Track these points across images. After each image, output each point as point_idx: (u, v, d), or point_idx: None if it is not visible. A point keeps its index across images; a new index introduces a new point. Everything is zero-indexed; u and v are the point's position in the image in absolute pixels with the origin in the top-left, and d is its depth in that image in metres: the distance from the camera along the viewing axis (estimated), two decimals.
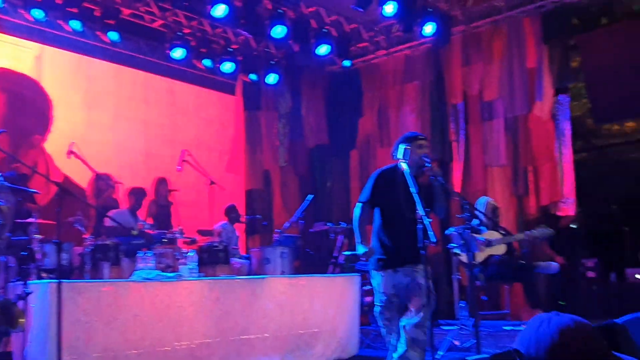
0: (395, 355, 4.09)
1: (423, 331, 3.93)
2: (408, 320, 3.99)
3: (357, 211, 4.12)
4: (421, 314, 3.94)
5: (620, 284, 7.87)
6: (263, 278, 5.49)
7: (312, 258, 8.14)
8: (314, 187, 9.83)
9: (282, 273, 6.12)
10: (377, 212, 4.18)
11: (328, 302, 5.75)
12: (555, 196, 8.05)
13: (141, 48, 8.92)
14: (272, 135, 9.98)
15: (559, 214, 8.03)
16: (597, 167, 10.25)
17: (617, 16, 8.27)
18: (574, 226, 8.24)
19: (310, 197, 7.55)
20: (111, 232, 5.96)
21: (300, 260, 7.67)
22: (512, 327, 6.38)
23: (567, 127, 8.14)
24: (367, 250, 4.05)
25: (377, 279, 4.15)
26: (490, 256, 6.26)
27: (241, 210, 8.43)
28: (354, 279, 6.14)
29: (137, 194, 6.79)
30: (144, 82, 8.97)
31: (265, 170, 9.92)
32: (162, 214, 7.19)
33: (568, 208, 8.08)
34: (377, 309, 4.15)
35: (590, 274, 7.94)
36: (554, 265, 6.40)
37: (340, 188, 9.89)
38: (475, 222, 6.03)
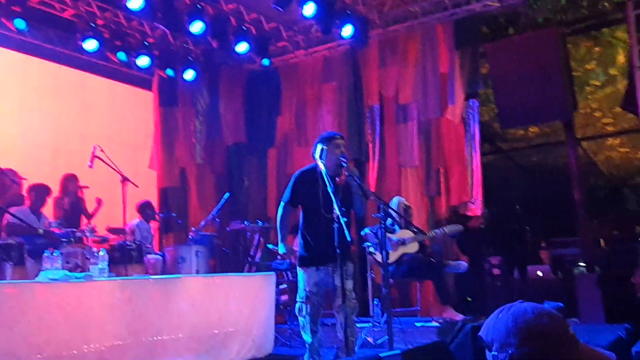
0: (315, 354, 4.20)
1: (342, 331, 4.04)
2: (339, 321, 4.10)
3: (279, 210, 4.29)
4: (340, 315, 4.05)
5: (522, 280, 8.28)
6: (177, 278, 5.41)
7: (228, 257, 8.04)
8: (231, 185, 9.74)
9: (197, 272, 6.04)
10: (301, 211, 4.30)
11: (243, 301, 5.73)
12: (464, 196, 8.38)
13: (51, 38, 8.51)
14: (189, 132, 9.79)
15: (468, 213, 8.34)
16: (503, 170, 10.77)
17: (522, 27, 8.71)
18: (482, 226, 8.60)
19: (227, 195, 7.45)
20: (13, 231, 5.67)
21: (216, 259, 7.56)
22: (422, 324, 6.56)
23: (476, 131, 8.50)
24: (286, 251, 4.23)
25: (300, 275, 4.26)
26: (403, 254, 6.42)
27: (155, 208, 8.19)
28: (270, 278, 6.13)
29: (38, 190, 6.45)
30: (53, 73, 8.57)
31: (181, 168, 9.72)
32: (71, 212, 6.91)
33: (476, 208, 8.42)
34: (297, 305, 4.23)
35: (495, 271, 8.27)
36: (463, 265, 6.69)
37: (258, 187, 9.87)
38: (389, 221, 6.16)
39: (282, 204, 4.31)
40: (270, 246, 7.08)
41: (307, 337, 4.22)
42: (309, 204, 4.18)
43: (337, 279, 4.00)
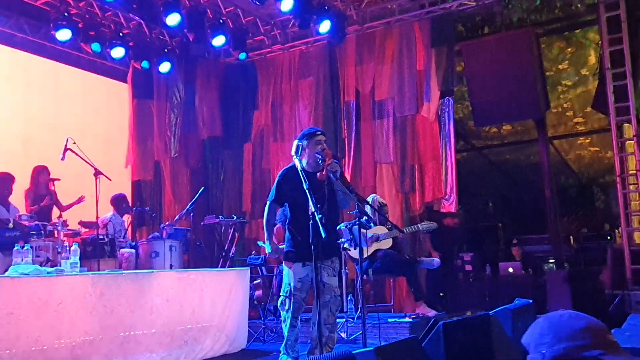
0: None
1: (328, 328, 4.09)
2: (315, 317, 4.09)
3: (265, 210, 4.32)
4: (325, 311, 4.08)
5: (494, 276, 8.41)
6: (151, 272, 5.37)
7: (202, 251, 8.02)
8: (206, 179, 9.72)
9: (171, 267, 6.04)
10: (287, 208, 4.33)
11: (217, 296, 5.70)
12: (438, 193, 8.44)
13: (22, 27, 8.34)
14: (164, 125, 9.67)
15: (442, 210, 8.45)
16: (477, 167, 10.90)
17: (498, 26, 8.82)
18: (456, 226, 8.71)
19: (202, 189, 7.44)
20: None
21: (190, 253, 7.51)
22: (395, 319, 6.61)
23: (451, 128, 8.57)
24: (272, 249, 4.29)
25: (285, 271, 4.29)
26: (377, 250, 6.43)
27: (129, 201, 8.12)
28: (244, 273, 6.10)
29: (1, 180, 6.27)
30: (24, 63, 8.39)
31: (155, 161, 9.62)
32: (42, 205, 6.79)
33: (449, 205, 8.51)
34: (280, 299, 4.29)
35: (468, 267, 8.38)
36: (436, 261, 6.73)
37: (233, 181, 9.77)
38: (363, 218, 6.26)
39: (267, 203, 4.35)
40: (259, 243, 7.11)
41: (286, 330, 4.30)
42: (295, 201, 4.20)
43: (324, 275, 4.10)
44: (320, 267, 3.98)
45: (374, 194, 7.07)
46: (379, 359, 2.52)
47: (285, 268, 4.31)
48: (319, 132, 4.27)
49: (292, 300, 4.21)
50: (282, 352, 4.39)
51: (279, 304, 4.31)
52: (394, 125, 8.77)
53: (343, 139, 9.08)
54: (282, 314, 4.32)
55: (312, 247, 3.65)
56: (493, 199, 11.59)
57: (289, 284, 4.24)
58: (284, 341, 4.34)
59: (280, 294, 4.32)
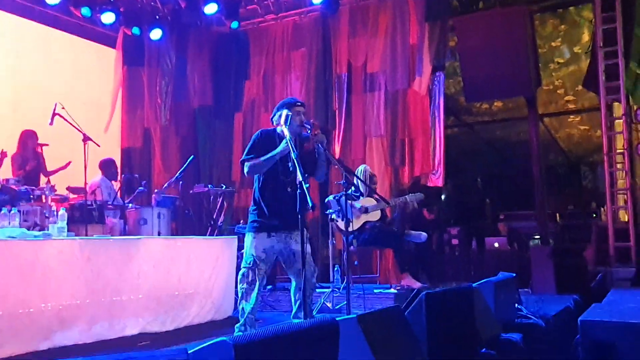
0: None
1: (306, 294, 3.97)
2: (293, 285, 4.08)
3: (246, 168, 4.12)
4: (299, 279, 4.00)
5: (480, 250, 8.50)
6: (138, 238, 5.37)
7: (190, 220, 7.98)
8: (196, 148, 9.61)
9: (159, 234, 6.02)
10: (257, 176, 4.17)
11: (204, 264, 5.71)
12: (426, 168, 8.46)
13: None
14: (154, 93, 9.58)
15: (429, 184, 8.49)
16: (466, 143, 10.92)
17: (492, 2, 8.76)
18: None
19: (191, 158, 7.36)
20: None
21: (179, 222, 7.55)
22: (381, 290, 6.67)
23: (441, 103, 8.57)
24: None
25: (249, 241, 4.13)
26: (366, 222, 6.43)
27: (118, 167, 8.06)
28: (231, 242, 6.10)
29: None
30: (14, 26, 8.24)
31: (145, 129, 9.56)
32: (30, 169, 6.75)
33: (437, 179, 8.55)
34: (241, 271, 4.12)
35: (454, 241, 8.46)
36: (423, 235, 6.69)
37: (223, 151, 9.69)
38: (351, 189, 6.16)
39: (245, 164, 4.10)
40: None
41: (246, 305, 4.07)
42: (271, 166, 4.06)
43: (293, 244, 4.02)
44: (291, 235, 3.98)
45: (364, 165, 7.08)
46: (360, 326, 2.54)
47: (248, 238, 4.13)
48: (299, 103, 4.20)
49: (255, 271, 4.04)
50: (238, 330, 4.11)
51: (240, 276, 4.09)
52: (385, 99, 8.75)
53: (334, 111, 9.04)
54: (241, 287, 4.08)
55: (300, 216, 3.54)
56: (482, 175, 11.64)
57: (252, 254, 4.05)
58: (243, 319, 4.10)
59: (242, 266, 4.12)
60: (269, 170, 4.01)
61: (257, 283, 4.03)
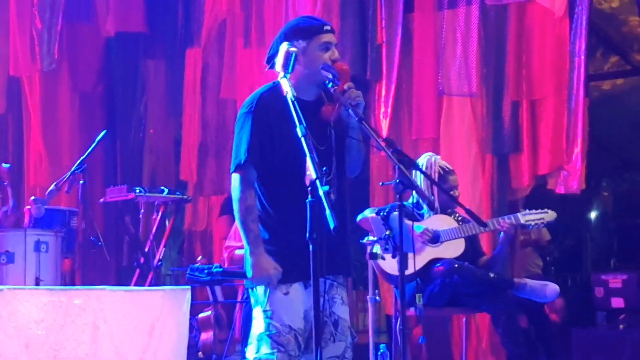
0: None
1: None
2: None
3: (236, 182, 2.78)
4: None
5: None
6: None
7: (100, 254, 5.93)
8: (112, 116, 6.84)
9: (38, 282, 4.99)
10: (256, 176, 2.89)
11: (127, 340, 4.50)
12: (559, 159, 5.23)
13: None
14: (28, 10, 6.37)
15: (559, 190, 5.35)
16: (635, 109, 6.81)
17: None
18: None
19: (102, 133, 5.64)
20: None
21: (77, 257, 5.83)
22: None
23: (582, 34, 5.24)
24: (256, 270, 2.72)
25: (261, 298, 2.84)
26: (436, 261, 4.72)
27: None
28: (180, 297, 4.72)
29: None
30: None
31: (9, 79, 6.58)
32: None
33: (575, 181, 5.20)
34: (252, 347, 2.87)
35: (617, 302, 5.52)
36: (552, 289, 4.45)
37: (164, 121, 6.83)
38: (411, 198, 4.33)
39: (237, 176, 2.68)
40: (236, 252, 5.28)
41: None
42: (278, 159, 2.74)
43: (338, 306, 2.83)
44: (325, 287, 2.72)
45: (429, 154, 4.87)
46: None
47: (259, 293, 2.81)
48: (327, 28, 2.77)
49: (282, 353, 2.78)
50: None
51: (248, 355, 2.90)
52: (480, 23, 5.36)
53: (378, 46, 5.75)
54: None
55: (312, 247, 2.46)
56: None
57: (274, 323, 2.77)
58: None
59: (251, 340, 2.86)
60: (283, 162, 2.78)
61: None
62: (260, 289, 2.79)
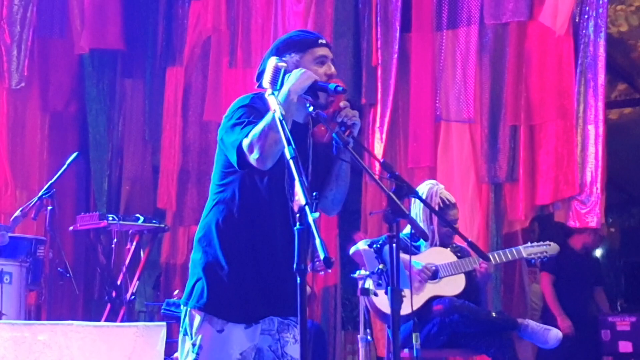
0: None
1: None
2: None
3: (253, 155, 2.45)
4: None
5: None
6: None
7: (69, 287, 5.94)
8: (84, 137, 6.46)
9: (0, 316, 4.92)
10: (219, 196, 2.58)
11: None
12: (565, 190, 4.88)
13: None
14: None
15: (571, 224, 4.96)
16: None
17: None
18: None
19: (74, 155, 5.33)
20: None
21: (43, 290, 5.63)
22: None
23: (599, 54, 4.85)
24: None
25: (195, 335, 2.61)
26: (435, 299, 4.49)
27: None
28: (154, 334, 4.54)
29: None
30: None
31: None
32: None
33: (587, 212, 4.81)
34: None
35: (625, 346, 5.32)
36: (554, 335, 4.23)
37: (140, 144, 6.47)
38: (407, 230, 4.18)
39: (249, 145, 2.35)
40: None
41: None
42: (258, 177, 2.53)
43: (290, 343, 2.58)
44: (283, 329, 2.57)
45: (431, 182, 4.60)
46: None
47: (190, 321, 2.61)
48: (322, 41, 2.60)
49: None
50: None
51: None
52: (479, 44, 5.13)
53: (373, 69, 5.46)
54: None
55: (299, 279, 2.18)
56: None
57: None
58: None
59: None
60: (256, 187, 2.58)
61: None
62: (196, 317, 2.52)
